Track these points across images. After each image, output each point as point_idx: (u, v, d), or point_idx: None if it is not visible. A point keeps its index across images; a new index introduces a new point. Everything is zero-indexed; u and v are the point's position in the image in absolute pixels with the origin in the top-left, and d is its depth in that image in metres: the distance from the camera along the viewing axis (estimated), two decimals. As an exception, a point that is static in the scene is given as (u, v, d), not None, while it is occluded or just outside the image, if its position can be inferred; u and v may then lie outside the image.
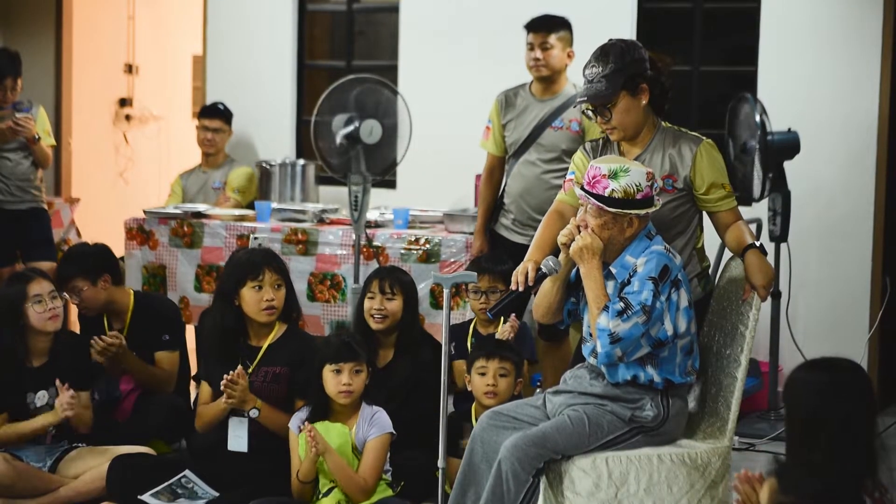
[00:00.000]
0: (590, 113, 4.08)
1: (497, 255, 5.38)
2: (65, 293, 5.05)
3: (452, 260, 5.94)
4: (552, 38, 5.53)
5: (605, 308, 3.76)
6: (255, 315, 4.61)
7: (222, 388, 4.46)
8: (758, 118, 5.84)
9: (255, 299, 4.59)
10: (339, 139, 5.98)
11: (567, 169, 5.47)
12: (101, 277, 5.20)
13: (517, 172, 5.61)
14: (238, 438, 4.53)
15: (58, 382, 4.67)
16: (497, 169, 5.72)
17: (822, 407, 2.75)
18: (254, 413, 4.49)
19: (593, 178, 3.82)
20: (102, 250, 5.37)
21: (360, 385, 4.39)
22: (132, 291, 5.38)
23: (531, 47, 5.57)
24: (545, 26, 5.55)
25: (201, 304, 6.19)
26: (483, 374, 4.56)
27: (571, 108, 5.49)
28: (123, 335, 5.17)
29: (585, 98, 4.01)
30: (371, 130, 5.82)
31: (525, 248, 5.50)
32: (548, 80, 5.58)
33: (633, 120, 4.05)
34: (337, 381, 4.37)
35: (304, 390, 4.50)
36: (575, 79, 5.32)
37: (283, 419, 4.50)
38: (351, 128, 5.95)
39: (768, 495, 2.60)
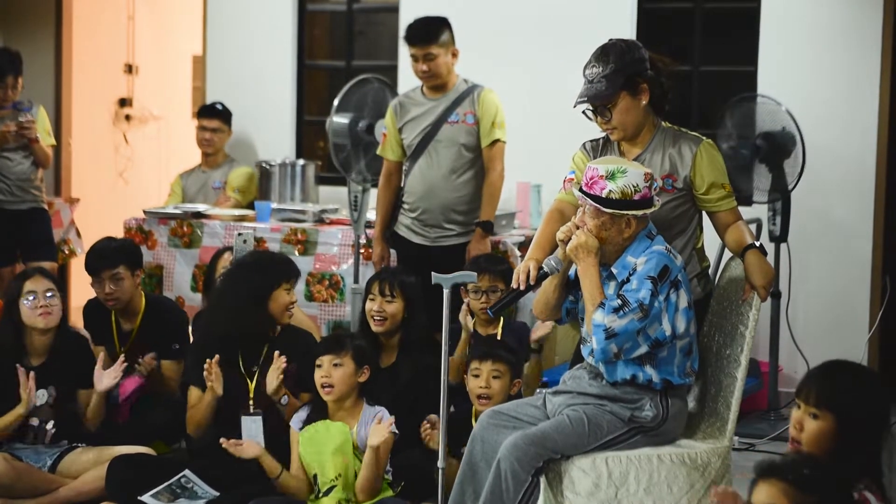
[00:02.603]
0: (589, 113, 4.07)
1: (496, 254, 5.38)
2: (96, 284, 5.11)
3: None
4: (433, 48, 5.51)
5: (602, 305, 3.76)
6: (280, 317, 4.65)
7: (274, 378, 4.48)
8: (785, 117, 5.85)
9: (286, 301, 4.65)
10: (348, 140, 6.02)
11: (467, 162, 5.53)
12: (137, 270, 5.27)
13: (418, 173, 5.62)
14: (254, 438, 4.52)
15: (20, 373, 4.67)
16: (395, 174, 5.74)
17: (855, 406, 2.80)
18: (284, 400, 4.52)
19: (591, 180, 3.82)
20: (135, 245, 5.50)
21: (342, 379, 4.38)
22: (143, 293, 5.39)
23: (415, 59, 5.56)
24: (424, 38, 5.51)
25: (196, 305, 6.18)
26: (477, 376, 4.56)
27: (464, 101, 5.56)
28: (132, 336, 5.20)
29: (585, 98, 4.01)
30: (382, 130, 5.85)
31: (425, 248, 5.57)
32: (439, 84, 5.61)
33: (633, 120, 4.05)
34: (318, 375, 4.38)
35: (307, 383, 4.52)
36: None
37: (298, 406, 4.54)
38: (364, 127, 6.02)
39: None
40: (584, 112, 4.09)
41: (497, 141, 5.55)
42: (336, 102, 6.12)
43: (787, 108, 5.91)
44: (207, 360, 4.52)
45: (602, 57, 4.00)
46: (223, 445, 4.34)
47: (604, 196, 3.79)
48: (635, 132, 4.09)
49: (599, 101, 4.00)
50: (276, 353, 4.52)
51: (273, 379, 4.50)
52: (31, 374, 4.69)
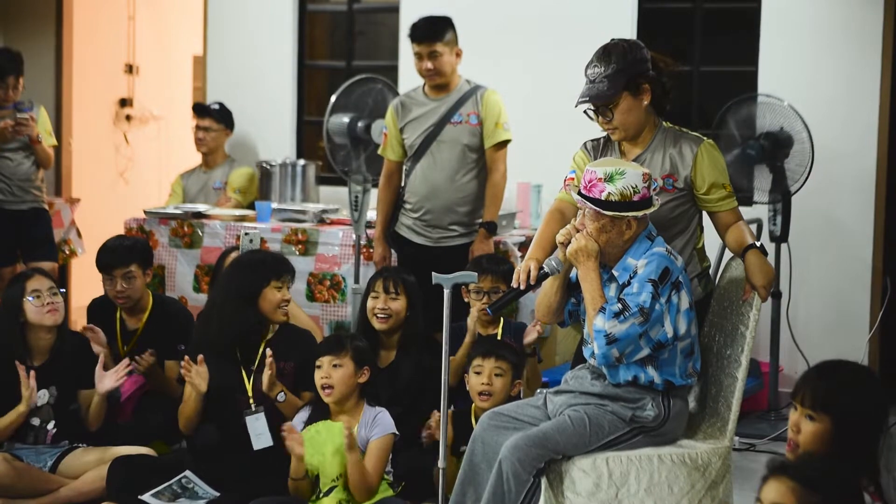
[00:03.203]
0: (591, 113, 4.07)
1: (498, 255, 5.37)
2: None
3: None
4: (439, 46, 5.52)
5: (602, 309, 3.76)
6: (272, 315, 4.64)
7: (268, 378, 4.46)
8: (795, 118, 5.85)
9: (277, 299, 4.64)
10: (347, 139, 6.03)
11: (470, 163, 5.52)
12: (148, 269, 5.30)
13: (420, 173, 5.62)
14: (261, 436, 4.53)
15: (21, 371, 4.67)
16: (395, 174, 5.75)
17: (850, 406, 2.81)
18: (281, 397, 4.52)
19: (589, 182, 3.82)
20: (147, 244, 5.55)
21: (341, 380, 4.38)
22: (150, 292, 5.39)
23: (420, 57, 5.56)
24: (430, 36, 5.52)
25: (199, 304, 6.18)
26: (479, 373, 4.56)
27: (467, 102, 5.57)
28: (137, 335, 5.20)
29: (587, 98, 4.01)
30: (381, 130, 5.85)
31: (426, 248, 5.57)
32: (442, 83, 5.62)
33: (635, 120, 4.05)
34: (318, 376, 4.38)
35: (307, 382, 4.52)
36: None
37: (300, 404, 4.55)
38: (363, 127, 6.02)
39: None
40: (585, 112, 4.09)
41: (501, 142, 5.56)
42: (332, 100, 6.12)
43: (792, 106, 5.92)
44: (186, 358, 4.53)
45: (604, 57, 4.00)
46: (283, 430, 4.26)
47: (603, 199, 3.79)
48: (636, 132, 4.09)
49: (601, 101, 4.00)
50: (268, 351, 4.52)
51: (266, 377, 4.49)
52: (32, 372, 4.69)
